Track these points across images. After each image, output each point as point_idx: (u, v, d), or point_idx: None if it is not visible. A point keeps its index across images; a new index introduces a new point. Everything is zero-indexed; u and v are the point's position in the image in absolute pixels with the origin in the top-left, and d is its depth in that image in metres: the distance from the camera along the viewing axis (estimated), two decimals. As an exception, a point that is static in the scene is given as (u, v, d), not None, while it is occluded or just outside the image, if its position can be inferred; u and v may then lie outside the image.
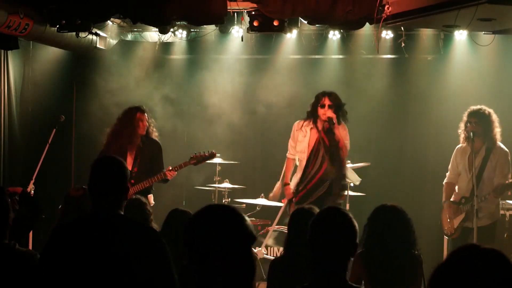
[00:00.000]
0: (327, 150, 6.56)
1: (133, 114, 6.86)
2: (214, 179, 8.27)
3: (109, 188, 3.05)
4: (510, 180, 6.70)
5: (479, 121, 6.79)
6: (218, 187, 8.21)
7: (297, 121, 6.85)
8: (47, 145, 7.02)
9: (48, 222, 4.62)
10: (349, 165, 7.98)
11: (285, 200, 6.78)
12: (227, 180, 8.15)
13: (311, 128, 6.68)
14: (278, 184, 7.04)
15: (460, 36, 8.38)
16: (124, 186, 3.11)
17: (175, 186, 9.22)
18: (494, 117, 6.83)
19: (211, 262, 2.03)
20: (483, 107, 6.87)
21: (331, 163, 6.55)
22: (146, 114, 6.92)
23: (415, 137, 8.98)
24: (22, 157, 8.48)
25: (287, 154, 6.92)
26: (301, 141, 6.72)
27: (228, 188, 8.14)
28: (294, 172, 6.83)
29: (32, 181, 6.87)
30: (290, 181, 6.80)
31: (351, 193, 7.97)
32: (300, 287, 2.73)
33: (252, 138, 9.50)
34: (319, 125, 6.63)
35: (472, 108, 6.90)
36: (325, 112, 6.55)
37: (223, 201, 8.17)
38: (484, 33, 7.60)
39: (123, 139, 6.78)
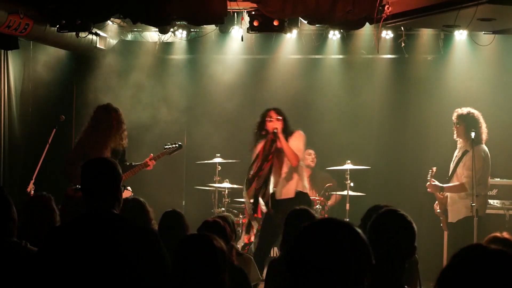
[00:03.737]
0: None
1: (109, 112, 6.80)
2: (214, 179, 8.27)
3: (103, 188, 3.05)
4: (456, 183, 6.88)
5: (459, 122, 6.92)
6: (218, 187, 8.21)
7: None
8: (47, 145, 7.01)
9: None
10: (349, 165, 7.99)
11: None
12: (227, 180, 8.14)
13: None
14: None
15: (460, 36, 8.37)
16: (118, 186, 3.12)
17: (175, 186, 9.22)
18: (481, 119, 6.90)
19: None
20: (462, 109, 6.96)
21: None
22: (119, 113, 6.86)
23: (415, 136, 8.97)
24: (22, 157, 8.47)
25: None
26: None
27: (228, 188, 8.13)
28: None
29: (32, 181, 6.86)
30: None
31: (351, 193, 7.98)
32: None
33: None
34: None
35: (458, 110, 7.00)
36: (273, 125, 6.57)
37: (223, 201, 8.17)
38: (484, 33, 7.60)
39: (99, 137, 6.68)
